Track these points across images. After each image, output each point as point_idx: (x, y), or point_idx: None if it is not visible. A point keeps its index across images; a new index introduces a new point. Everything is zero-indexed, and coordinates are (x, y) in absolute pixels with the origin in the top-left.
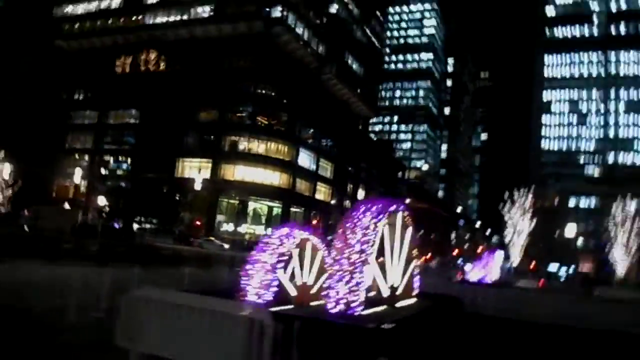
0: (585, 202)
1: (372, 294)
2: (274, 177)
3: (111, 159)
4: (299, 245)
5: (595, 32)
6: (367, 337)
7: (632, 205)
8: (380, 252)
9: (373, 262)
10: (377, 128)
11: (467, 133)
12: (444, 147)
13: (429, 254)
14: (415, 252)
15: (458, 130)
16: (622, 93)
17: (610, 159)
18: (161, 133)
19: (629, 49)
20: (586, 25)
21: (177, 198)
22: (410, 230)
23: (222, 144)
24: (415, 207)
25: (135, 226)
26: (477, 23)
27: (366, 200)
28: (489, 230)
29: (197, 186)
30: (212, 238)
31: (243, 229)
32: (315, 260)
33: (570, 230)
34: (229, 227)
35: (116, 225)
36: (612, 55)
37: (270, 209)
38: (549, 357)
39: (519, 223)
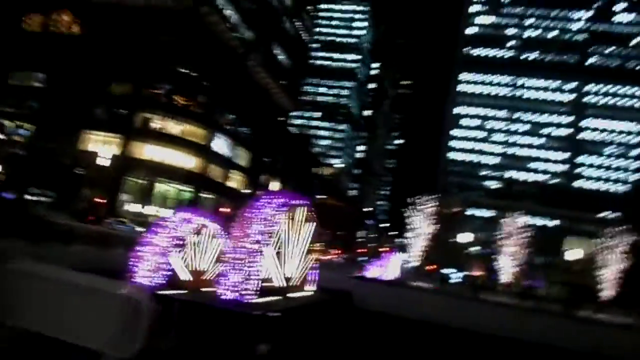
0: (483, 213)
1: (266, 283)
2: (186, 160)
3: (8, 123)
4: (197, 231)
5: (508, 55)
6: (249, 324)
7: (521, 219)
8: (279, 243)
9: (270, 253)
10: (297, 122)
11: (383, 136)
12: (361, 147)
13: (337, 250)
14: (314, 246)
15: (375, 132)
16: (525, 116)
17: (509, 174)
18: (68, 101)
19: (536, 75)
20: (501, 48)
21: (79, 172)
22: (311, 225)
23: (134, 120)
24: (326, 203)
25: (30, 198)
26: (404, 32)
27: (279, 192)
28: (394, 232)
29: (102, 161)
30: (124, 219)
31: (148, 210)
32: (213, 247)
33: (466, 237)
34: (133, 207)
35: (6, 196)
36: (520, 80)
37: (179, 192)
38: (420, 352)
39: (421, 227)
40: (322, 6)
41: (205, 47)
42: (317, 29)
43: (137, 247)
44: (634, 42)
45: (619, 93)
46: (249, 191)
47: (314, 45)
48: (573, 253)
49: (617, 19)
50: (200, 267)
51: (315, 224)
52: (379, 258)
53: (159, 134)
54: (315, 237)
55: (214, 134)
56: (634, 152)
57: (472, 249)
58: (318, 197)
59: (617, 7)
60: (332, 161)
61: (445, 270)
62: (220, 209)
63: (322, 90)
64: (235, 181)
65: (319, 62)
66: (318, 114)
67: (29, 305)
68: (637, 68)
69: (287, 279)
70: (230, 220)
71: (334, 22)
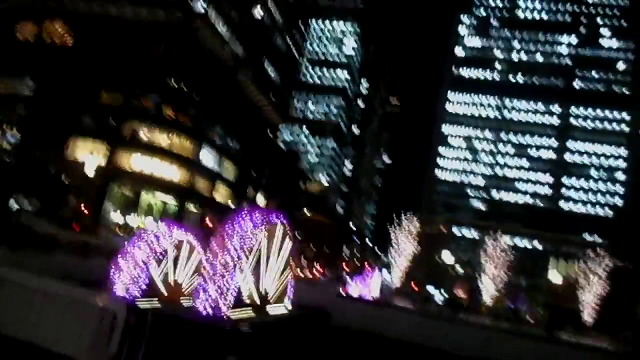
0: (468, 233)
1: (243, 298)
2: (172, 172)
3: None
4: (176, 245)
5: (496, 77)
6: (220, 337)
7: (504, 240)
8: (257, 259)
9: (247, 268)
10: (286, 137)
11: (371, 154)
12: (348, 164)
13: (320, 267)
14: (291, 262)
15: (363, 150)
16: (512, 137)
17: (495, 195)
18: (57, 109)
19: (523, 97)
20: (488, 70)
21: (65, 180)
22: (288, 241)
23: (122, 130)
24: (312, 220)
25: (15, 205)
26: (393, 51)
27: (259, 208)
28: (379, 249)
29: (89, 170)
30: (120, 232)
31: (132, 221)
32: (191, 260)
33: (450, 257)
34: (117, 217)
35: None
36: (507, 101)
37: (164, 203)
38: None
39: (405, 246)
40: (313, 23)
41: (196, 61)
42: (308, 46)
43: (117, 259)
44: (618, 67)
45: (604, 117)
46: (234, 205)
47: (304, 61)
48: (556, 275)
49: (602, 44)
50: (178, 280)
51: (292, 240)
52: (362, 275)
53: (146, 145)
54: (293, 254)
55: (201, 146)
56: (619, 176)
57: (456, 269)
58: (304, 213)
59: (603, 33)
60: (320, 177)
61: (428, 290)
62: (205, 222)
63: (311, 106)
64: (221, 194)
65: (308, 78)
66: (306, 130)
67: (7, 311)
68: (622, 92)
69: (264, 295)
70: (212, 234)
71: (323, 39)
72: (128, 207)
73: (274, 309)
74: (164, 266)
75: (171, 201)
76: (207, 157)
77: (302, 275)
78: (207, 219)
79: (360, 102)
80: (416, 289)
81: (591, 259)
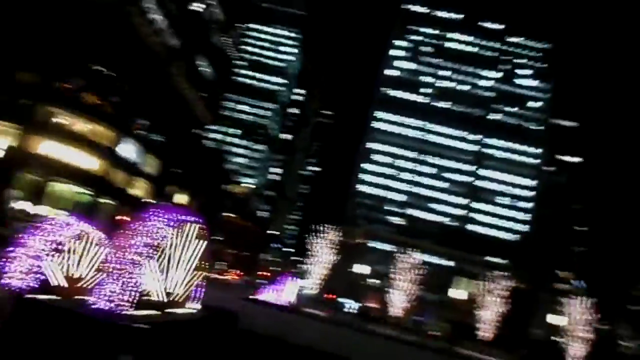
0: (385, 246)
1: (146, 297)
2: (88, 161)
3: None
4: (78, 237)
5: (422, 100)
6: (115, 334)
7: (415, 256)
8: (166, 258)
9: (152, 266)
10: (214, 136)
11: (299, 161)
12: (276, 170)
13: (237, 271)
14: (203, 264)
15: (292, 157)
16: (431, 159)
17: (412, 212)
18: None
19: (445, 122)
20: (415, 93)
21: None
22: (203, 242)
23: (36, 112)
24: (231, 221)
25: None
26: (331, 64)
27: (173, 205)
28: (299, 257)
29: None
30: (26, 222)
31: (41, 210)
32: (94, 254)
33: (365, 269)
34: (24, 205)
35: None
36: (430, 125)
37: (76, 194)
38: None
39: (322, 255)
40: (253, 26)
41: (127, 48)
42: (245, 47)
43: (11, 248)
44: (533, 105)
45: (516, 149)
46: (152, 201)
47: (240, 63)
48: (460, 292)
49: (520, 82)
50: (76, 274)
51: (206, 242)
52: (276, 282)
53: (61, 130)
54: (206, 255)
55: (122, 137)
56: (523, 205)
57: (370, 280)
58: (226, 215)
59: (521, 72)
60: (246, 180)
61: (342, 300)
62: (118, 217)
63: (243, 108)
64: (140, 189)
65: (242, 79)
66: (236, 131)
67: None
68: (532, 128)
69: (169, 294)
70: (122, 229)
71: (263, 43)
72: (37, 195)
73: (178, 309)
74: (64, 259)
75: (85, 192)
76: (129, 150)
77: (217, 278)
78: (121, 212)
79: (293, 109)
80: (331, 297)
81: (493, 280)
